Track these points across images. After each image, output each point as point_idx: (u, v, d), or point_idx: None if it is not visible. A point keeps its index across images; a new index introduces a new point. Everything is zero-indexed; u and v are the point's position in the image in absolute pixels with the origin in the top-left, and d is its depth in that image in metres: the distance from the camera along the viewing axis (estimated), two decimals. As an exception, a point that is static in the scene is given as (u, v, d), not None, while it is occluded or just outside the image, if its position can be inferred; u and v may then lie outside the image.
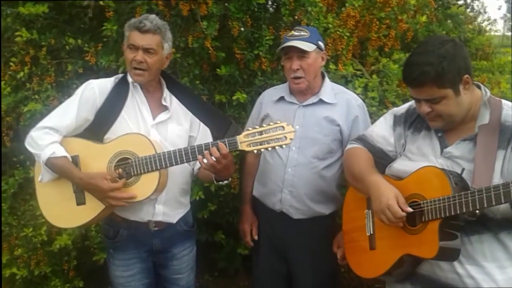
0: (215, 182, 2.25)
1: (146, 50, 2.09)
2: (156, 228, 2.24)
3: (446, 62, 1.66)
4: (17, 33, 2.96)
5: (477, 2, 5.01)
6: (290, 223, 2.47)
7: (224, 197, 3.12)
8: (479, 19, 5.57)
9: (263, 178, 2.55)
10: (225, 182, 2.28)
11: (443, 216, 1.67)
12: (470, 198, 1.60)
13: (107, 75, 2.88)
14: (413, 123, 1.96)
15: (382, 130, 2.05)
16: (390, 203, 1.77)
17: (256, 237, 2.66)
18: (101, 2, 2.91)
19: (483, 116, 1.77)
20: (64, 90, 3.10)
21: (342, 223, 2.24)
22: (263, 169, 2.56)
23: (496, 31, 6.36)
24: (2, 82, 2.97)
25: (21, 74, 3.00)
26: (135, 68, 2.11)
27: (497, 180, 1.65)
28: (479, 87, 1.83)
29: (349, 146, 2.17)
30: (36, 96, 2.99)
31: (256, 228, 2.67)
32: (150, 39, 2.09)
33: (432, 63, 1.66)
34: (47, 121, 2.12)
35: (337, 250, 2.47)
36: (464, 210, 1.62)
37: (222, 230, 3.30)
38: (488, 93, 1.81)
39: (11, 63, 3.03)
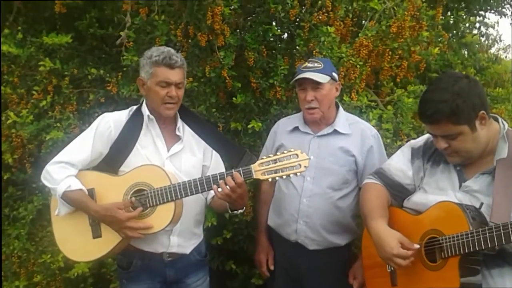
0: (229, 211, 2.26)
1: (176, 85, 2.15)
2: (169, 259, 2.25)
3: (461, 100, 1.67)
4: (40, 63, 3.06)
5: (492, 30, 5.02)
6: (306, 254, 2.47)
7: (238, 224, 3.14)
8: (495, 48, 5.59)
9: (278, 208, 2.56)
10: (240, 211, 2.29)
11: (462, 252, 1.66)
12: (488, 235, 1.60)
13: (128, 104, 2.99)
14: (431, 156, 1.96)
15: (400, 163, 2.06)
16: (395, 252, 1.78)
17: (272, 267, 2.66)
18: (121, 33, 3.02)
19: (501, 150, 1.77)
20: (86, 118, 3.17)
21: (362, 257, 2.23)
22: (278, 199, 2.57)
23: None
24: (25, 111, 3.07)
25: (44, 102, 3.09)
26: (167, 103, 2.15)
27: None
28: (496, 120, 1.84)
29: (366, 180, 2.17)
30: (58, 124, 3.06)
31: (272, 258, 2.66)
32: (179, 74, 2.15)
33: (447, 101, 1.68)
34: (62, 155, 2.16)
35: (353, 281, 2.46)
36: (483, 247, 1.61)
37: (235, 257, 3.30)
38: (506, 126, 1.82)
39: (34, 92, 3.14)
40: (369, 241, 2.12)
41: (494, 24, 5.32)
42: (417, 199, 1.95)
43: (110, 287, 2.99)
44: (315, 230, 2.43)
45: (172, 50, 2.19)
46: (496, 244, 1.59)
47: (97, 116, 3.01)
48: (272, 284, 2.68)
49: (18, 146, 3.11)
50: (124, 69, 3.12)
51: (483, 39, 4.82)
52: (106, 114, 2.26)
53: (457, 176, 1.85)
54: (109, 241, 2.12)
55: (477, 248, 1.63)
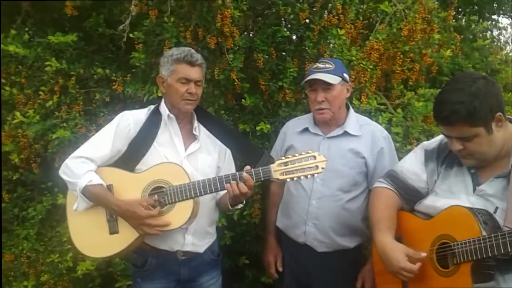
0: (230, 207, 2.32)
1: (196, 83, 2.26)
2: (184, 258, 2.31)
3: (478, 101, 1.67)
4: (47, 63, 3.15)
5: (504, 32, 5.08)
6: (314, 255, 2.51)
7: (246, 225, 3.20)
8: (507, 50, 5.63)
9: (287, 210, 2.61)
10: (240, 206, 2.39)
11: (475, 258, 1.68)
12: (501, 240, 1.60)
13: (134, 103, 3.05)
14: (445, 158, 1.98)
15: (413, 166, 2.07)
16: (402, 265, 1.83)
17: (280, 269, 2.70)
18: (131, 35, 3.10)
19: None
20: (92, 118, 3.25)
21: (373, 262, 2.24)
22: (287, 200, 2.62)
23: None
24: (32, 111, 3.15)
25: (50, 102, 3.17)
26: (187, 100, 2.25)
27: None
28: (510, 121, 1.83)
29: (377, 184, 2.20)
30: (65, 124, 3.14)
31: (280, 260, 2.71)
32: (199, 72, 2.27)
33: (464, 102, 1.68)
34: (82, 150, 2.23)
35: (362, 285, 2.51)
36: (496, 253, 1.62)
37: (243, 259, 3.34)
38: None
39: (40, 92, 3.21)
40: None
41: (507, 27, 5.39)
42: (429, 202, 1.97)
43: (116, 286, 3.05)
44: (324, 232, 2.48)
45: (192, 50, 2.30)
46: (510, 250, 1.59)
47: (104, 116, 3.10)
48: (281, 285, 2.72)
49: (25, 146, 3.18)
50: (133, 70, 3.19)
51: (494, 42, 4.86)
52: (126, 112, 2.34)
53: (471, 180, 1.86)
54: (125, 237, 2.18)
55: (490, 254, 1.64)
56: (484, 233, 1.67)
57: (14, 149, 3.17)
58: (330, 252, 2.51)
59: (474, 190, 1.84)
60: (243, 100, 3.15)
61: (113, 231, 2.20)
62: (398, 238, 2.00)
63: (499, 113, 1.72)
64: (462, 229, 1.74)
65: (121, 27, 3.06)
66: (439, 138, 2.07)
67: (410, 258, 1.85)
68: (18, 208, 3.28)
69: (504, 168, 1.79)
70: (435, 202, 1.93)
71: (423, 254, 1.83)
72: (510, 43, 6.13)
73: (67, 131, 3.09)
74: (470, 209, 1.74)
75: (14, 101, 3.25)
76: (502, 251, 1.61)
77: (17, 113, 3.13)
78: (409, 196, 2.07)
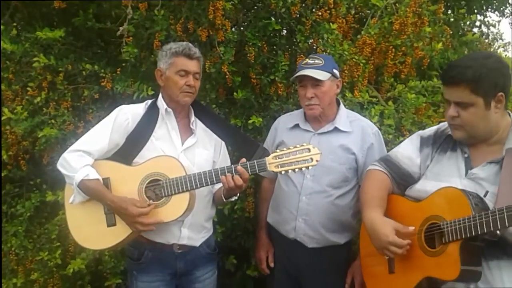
0: (224, 200, 2.32)
1: (194, 75, 2.28)
2: (180, 251, 2.31)
3: (486, 71, 1.72)
4: (34, 59, 3.10)
5: (492, 29, 5.10)
6: (304, 251, 2.50)
7: (237, 220, 3.18)
8: (495, 46, 5.67)
9: (277, 206, 2.60)
10: (234, 198, 2.39)
11: (464, 237, 1.69)
12: (491, 218, 1.62)
13: (123, 100, 3.01)
14: (441, 144, 2.00)
15: (408, 151, 2.09)
16: (390, 240, 1.83)
17: (272, 265, 2.69)
18: (120, 28, 3.06)
19: (511, 139, 1.81)
20: (80, 114, 3.22)
21: (359, 247, 2.27)
22: (277, 196, 2.61)
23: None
24: (20, 107, 3.10)
25: (38, 99, 3.12)
26: (186, 92, 2.26)
27: None
28: (508, 115, 1.87)
29: (371, 167, 2.20)
30: (53, 121, 3.10)
31: (272, 255, 2.70)
32: (197, 64, 2.30)
33: (472, 67, 1.73)
34: (80, 144, 2.22)
35: (350, 281, 2.51)
36: (486, 230, 1.63)
37: (235, 254, 3.34)
38: None
39: (28, 88, 3.16)
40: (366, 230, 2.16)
41: (495, 23, 5.43)
42: (420, 186, 1.98)
43: (106, 285, 3.03)
44: (314, 228, 2.47)
45: (190, 44, 2.32)
46: (499, 227, 1.61)
47: (92, 112, 3.07)
48: (272, 281, 2.71)
49: (13, 143, 3.14)
50: (123, 64, 3.15)
51: (483, 37, 4.90)
52: (124, 106, 2.34)
53: (464, 163, 1.88)
54: (123, 229, 2.17)
55: (479, 232, 1.65)
56: (474, 213, 1.68)
57: (2, 145, 3.12)
58: (320, 248, 2.50)
59: (466, 173, 1.86)
60: (234, 93, 3.13)
61: (111, 223, 2.19)
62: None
63: (502, 93, 1.76)
64: (453, 210, 1.75)
65: (118, 32, 3.03)
66: (435, 127, 2.10)
67: (398, 232, 1.85)
68: (7, 205, 3.23)
69: (497, 155, 1.81)
70: (425, 185, 1.94)
71: (411, 228, 1.84)
72: (498, 40, 6.19)
73: (54, 129, 3.04)
74: (463, 190, 1.75)
75: (1, 97, 3.20)
76: (492, 228, 1.62)
77: (5, 110, 3.08)
78: (402, 181, 2.08)
